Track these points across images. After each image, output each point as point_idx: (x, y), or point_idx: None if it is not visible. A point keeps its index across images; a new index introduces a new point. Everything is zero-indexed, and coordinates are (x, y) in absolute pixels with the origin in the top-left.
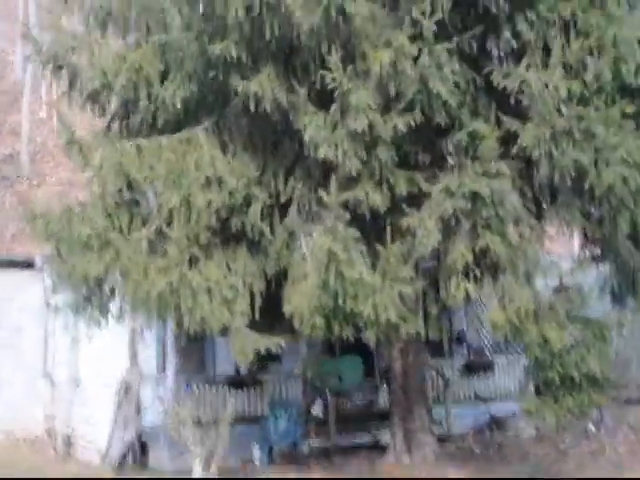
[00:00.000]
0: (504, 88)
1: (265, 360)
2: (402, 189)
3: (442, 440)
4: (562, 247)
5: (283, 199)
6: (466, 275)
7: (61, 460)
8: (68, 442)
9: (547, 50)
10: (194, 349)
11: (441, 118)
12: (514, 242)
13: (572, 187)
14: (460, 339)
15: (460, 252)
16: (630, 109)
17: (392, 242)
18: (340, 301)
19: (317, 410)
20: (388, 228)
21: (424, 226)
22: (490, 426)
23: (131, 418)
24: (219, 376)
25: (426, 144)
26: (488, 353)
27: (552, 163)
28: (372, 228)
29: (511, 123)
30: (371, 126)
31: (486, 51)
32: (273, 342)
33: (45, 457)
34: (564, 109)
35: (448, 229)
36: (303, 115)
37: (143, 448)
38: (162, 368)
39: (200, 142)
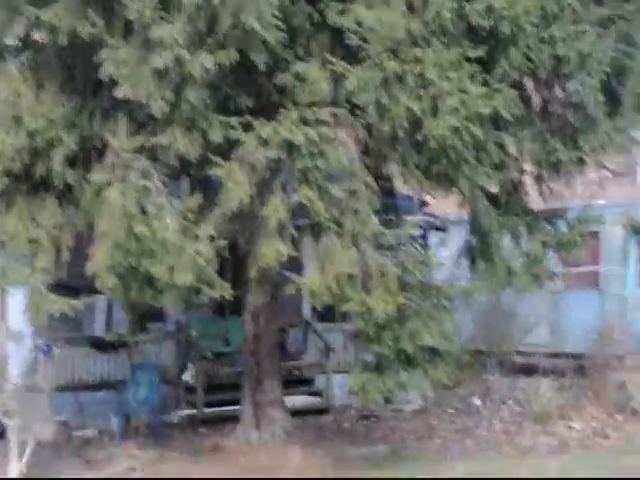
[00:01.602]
0: (340, 26)
1: (146, 319)
2: (216, 136)
3: (320, 412)
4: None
5: (99, 144)
6: (281, 234)
7: None
8: None
9: None
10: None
11: (259, 57)
12: (338, 198)
13: (408, 139)
14: None
15: (273, 207)
16: (473, 53)
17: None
18: (133, 261)
19: (188, 376)
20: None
21: (232, 177)
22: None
23: None
24: (87, 337)
25: (249, 87)
26: None
27: (383, 111)
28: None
29: (339, 64)
30: (179, 64)
31: None
32: (71, 305)
33: None
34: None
35: (262, 182)
36: (101, 49)
37: None
38: None
39: (11, 76)
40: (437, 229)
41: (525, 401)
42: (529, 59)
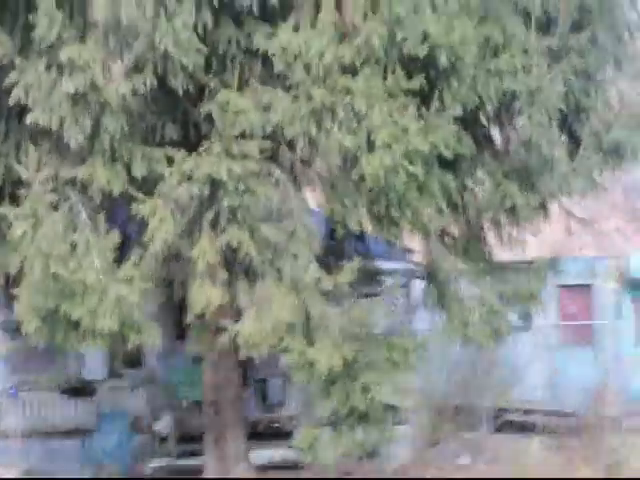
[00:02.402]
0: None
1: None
2: (139, 169)
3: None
4: None
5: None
6: (213, 278)
7: None
8: None
9: (319, 8)
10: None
11: (177, 83)
12: (272, 240)
13: (345, 177)
14: None
15: (201, 249)
16: (409, 84)
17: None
18: (52, 303)
19: (161, 425)
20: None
21: (156, 215)
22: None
23: None
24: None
25: (176, 116)
26: None
27: (314, 146)
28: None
29: (266, 93)
30: (94, 88)
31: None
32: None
33: None
34: (329, 80)
35: (190, 221)
36: (12, 70)
37: None
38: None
39: None
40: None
41: (514, 462)
42: (476, 92)
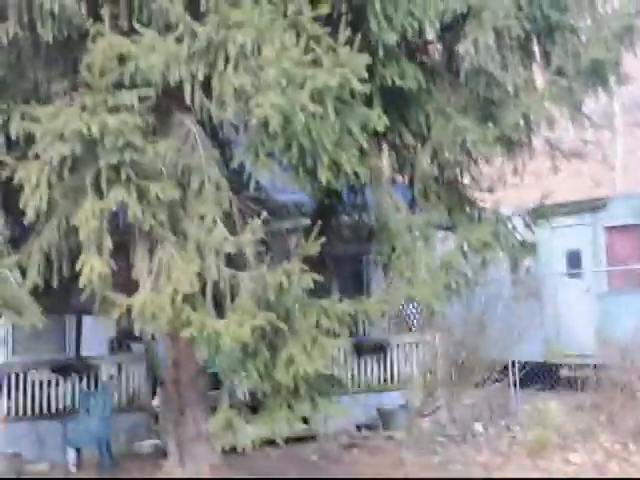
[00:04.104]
0: None
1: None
2: (16, 130)
3: (304, 440)
4: None
5: None
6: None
7: None
8: None
9: None
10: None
11: (46, 31)
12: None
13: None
14: None
15: (85, 215)
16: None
17: None
18: None
19: (158, 401)
20: None
21: (30, 180)
22: (374, 422)
23: None
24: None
25: (63, 69)
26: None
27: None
28: None
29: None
30: None
31: None
32: None
33: None
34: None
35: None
36: None
37: None
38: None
39: None
40: None
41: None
42: (414, 17)
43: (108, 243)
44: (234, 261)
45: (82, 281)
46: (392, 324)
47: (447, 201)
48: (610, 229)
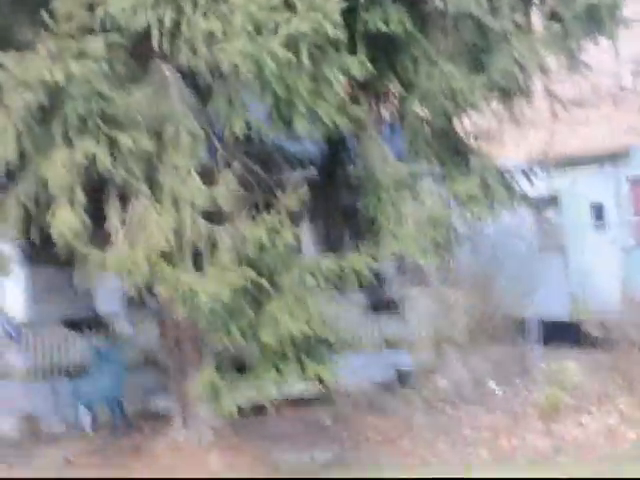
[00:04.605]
0: None
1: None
2: None
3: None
4: None
5: None
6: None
7: None
8: None
9: None
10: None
11: None
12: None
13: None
14: None
15: (54, 167)
16: None
17: None
18: None
19: None
20: None
21: None
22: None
23: None
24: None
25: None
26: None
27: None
28: None
29: None
30: None
31: None
32: None
33: None
34: None
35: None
36: None
37: None
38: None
39: None
40: None
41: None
42: None
43: (80, 196)
44: (216, 216)
45: (53, 234)
46: (409, 279)
47: (439, 152)
48: (634, 180)
